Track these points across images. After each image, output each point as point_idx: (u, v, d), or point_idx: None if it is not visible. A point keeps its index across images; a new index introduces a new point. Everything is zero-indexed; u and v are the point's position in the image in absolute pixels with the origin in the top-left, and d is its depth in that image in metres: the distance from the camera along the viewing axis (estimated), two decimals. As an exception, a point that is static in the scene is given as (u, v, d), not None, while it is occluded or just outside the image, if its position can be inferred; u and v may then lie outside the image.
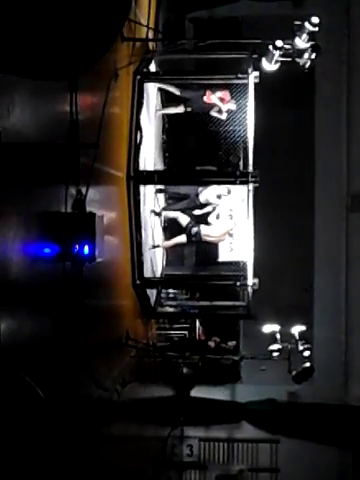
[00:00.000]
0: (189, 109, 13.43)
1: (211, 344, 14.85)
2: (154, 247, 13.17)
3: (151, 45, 12.94)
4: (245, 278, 12.06)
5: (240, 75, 12.17)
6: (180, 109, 13.55)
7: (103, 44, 6.01)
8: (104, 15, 5.62)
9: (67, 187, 7.33)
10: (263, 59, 11.45)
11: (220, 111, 13.24)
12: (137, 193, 11.48)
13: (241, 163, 13.53)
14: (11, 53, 4.90)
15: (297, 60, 11.26)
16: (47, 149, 6.83)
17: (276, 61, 11.28)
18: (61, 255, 6.91)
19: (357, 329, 18.80)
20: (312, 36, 11.02)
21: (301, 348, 12.20)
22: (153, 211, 13.30)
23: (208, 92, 13.17)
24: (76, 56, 5.40)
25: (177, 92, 13.38)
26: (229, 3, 18.16)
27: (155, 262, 13.64)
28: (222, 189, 13.32)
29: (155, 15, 13.87)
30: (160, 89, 13.64)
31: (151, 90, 13.15)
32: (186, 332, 15.59)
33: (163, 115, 14.70)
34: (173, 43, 13.33)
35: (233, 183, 12.11)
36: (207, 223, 13.54)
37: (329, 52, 15.84)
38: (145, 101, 12.16)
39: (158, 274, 13.77)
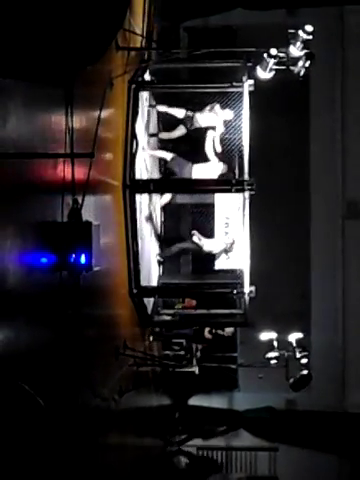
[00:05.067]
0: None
1: (208, 336, 14.85)
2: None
3: (146, 54, 12.97)
4: (242, 286, 12.05)
5: (235, 83, 12.19)
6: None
7: (98, 51, 6.04)
8: (99, 23, 5.65)
9: (63, 196, 7.33)
10: (258, 67, 11.48)
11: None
12: (133, 202, 11.49)
13: (237, 171, 13.54)
14: (7, 57, 4.92)
15: (291, 68, 11.29)
16: (42, 158, 6.84)
17: (271, 69, 11.31)
18: (58, 264, 6.91)
19: (355, 336, 18.79)
20: (306, 44, 11.06)
21: (299, 355, 12.19)
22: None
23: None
24: (72, 61, 5.43)
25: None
26: (223, 12, 18.21)
27: (151, 271, 13.66)
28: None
29: (149, 24, 13.90)
30: None
31: (146, 99, 13.17)
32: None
33: (158, 125, 14.73)
34: (168, 52, 13.36)
35: (229, 191, 12.11)
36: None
37: (323, 60, 15.89)
38: (140, 109, 12.18)
39: (154, 283, 13.77)
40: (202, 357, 14.97)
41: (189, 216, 14.85)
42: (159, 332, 14.22)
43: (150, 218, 13.62)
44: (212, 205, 13.97)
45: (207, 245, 13.65)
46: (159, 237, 14.67)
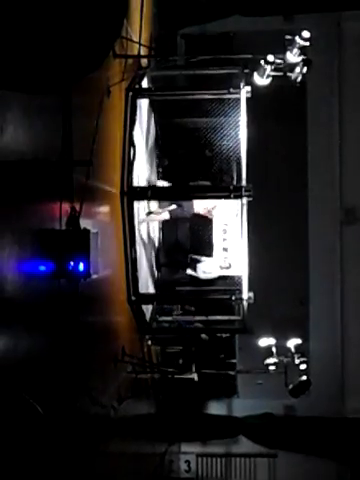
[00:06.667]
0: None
1: (205, 337, 14.84)
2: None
3: (143, 61, 12.99)
4: (240, 292, 12.05)
5: (232, 90, 12.21)
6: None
7: (96, 60, 6.05)
8: (97, 32, 5.66)
9: (61, 204, 7.34)
10: (255, 74, 11.50)
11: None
12: (131, 209, 11.50)
13: (235, 177, 13.56)
14: (5, 67, 4.93)
15: (289, 74, 11.31)
16: (41, 166, 6.85)
17: (268, 76, 11.32)
18: (56, 272, 6.91)
19: (353, 341, 18.79)
20: (303, 50, 11.08)
21: (297, 361, 12.19)
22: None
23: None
24: (69, 71, 5.44)
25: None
26: (221, 19, 18.25)
27: (149, 278, 13.65)
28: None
29: (147, 31, 13.93)
30: None
31: (144, 106, 13.20)
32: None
33: (156, 132, 14.76)
34: (165, 59, 13.38)
35: (227, 197, 12.12)
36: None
37: (320, 66, 15.91)
38: (138, 117, 12.20)
39: (153, 290, 13.77)
40: (201, 363, 14.96)
41: (187, 223, 14.83)
42: (158, 338, 14.22)
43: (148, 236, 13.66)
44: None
45: (203, 273, 13.71)
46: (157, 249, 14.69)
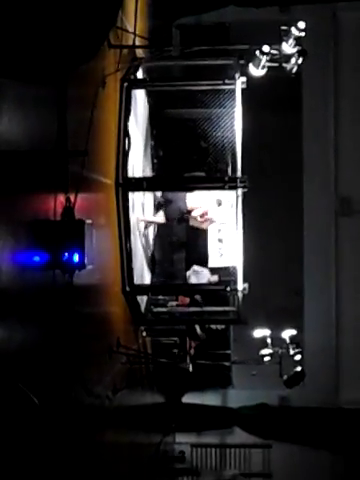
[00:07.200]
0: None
1: (201, 334, 14.84)
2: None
3: (138, 52, 12.96)
4: (235, 283, 12.05)
5: (227, 81, 12.18)
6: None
7: (90, 50, 6.04)
8: (92, 21, 5.66)
9: (56, 195, 7.33)
10: (250, 65, 11.48)
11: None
12: (126, 200, 11.49)
13: (229, 168, 13.53)
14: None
15: (284, 65, 11.30)
16: (35, 157, 6.84)
17: (263, 66, 11.31)
18: (51, 263, 6.90)
19: (347, 332, 18.86)
20: (299, 41, 11.07)
21: (292, 352, 12.22)
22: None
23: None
24: (64, 61, 5.43)
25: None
26: (216, 9, 18.22)
27: (144, 269, 13.65)
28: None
29: (142, 22, 13.89)
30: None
31: (139, 97, 13.17)
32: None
33: (151, 122, 14.73)
34: (160, 50, 13.34)
35: (222, 188, 12.11)
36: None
37: (316, 57, 15.91)
38: (133, 108, 12.17)
39: (148, 281, 13.77)
40: (196, 354, 14.97)
41: (182, 220, 14.76)
42: (152, 329, 14.22)
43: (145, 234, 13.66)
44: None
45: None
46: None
